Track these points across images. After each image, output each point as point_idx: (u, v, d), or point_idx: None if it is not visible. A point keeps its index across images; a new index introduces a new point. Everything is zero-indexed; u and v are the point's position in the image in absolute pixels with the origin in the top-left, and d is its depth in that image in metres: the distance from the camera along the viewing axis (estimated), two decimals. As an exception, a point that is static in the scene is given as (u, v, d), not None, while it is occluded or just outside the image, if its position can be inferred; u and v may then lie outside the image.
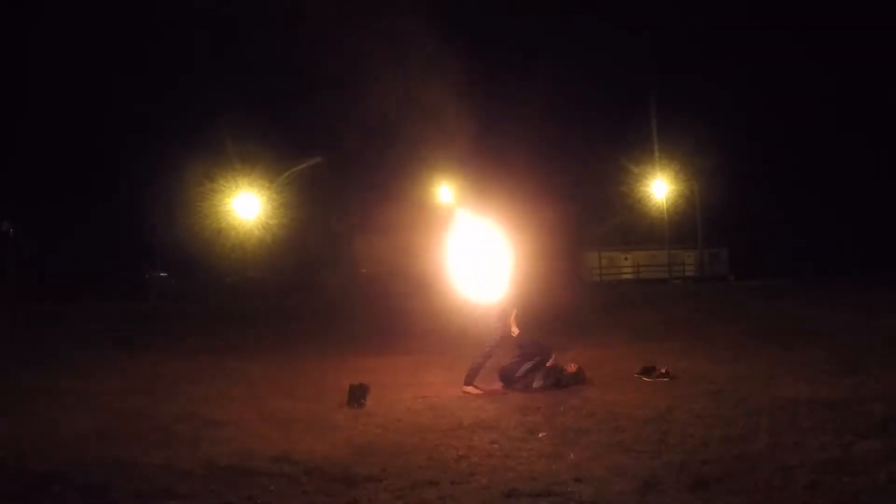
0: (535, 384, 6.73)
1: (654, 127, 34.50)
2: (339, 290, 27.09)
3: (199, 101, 35.95)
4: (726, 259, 39.63)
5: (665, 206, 37.87)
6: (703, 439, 4.71)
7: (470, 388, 6.76)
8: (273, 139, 30.31)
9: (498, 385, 6.90)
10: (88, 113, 33.56)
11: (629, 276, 38.67)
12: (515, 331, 7.06)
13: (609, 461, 4.31)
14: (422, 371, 8.14)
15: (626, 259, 40.56)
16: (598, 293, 20.91)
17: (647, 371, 7.21)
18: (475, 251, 7.07)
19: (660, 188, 37.75)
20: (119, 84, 34.54)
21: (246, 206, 31.97)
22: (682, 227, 38.52)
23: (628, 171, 36.62)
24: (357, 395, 6.25)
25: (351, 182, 34.75)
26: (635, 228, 38.20)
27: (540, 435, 5.04)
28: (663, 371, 7.15)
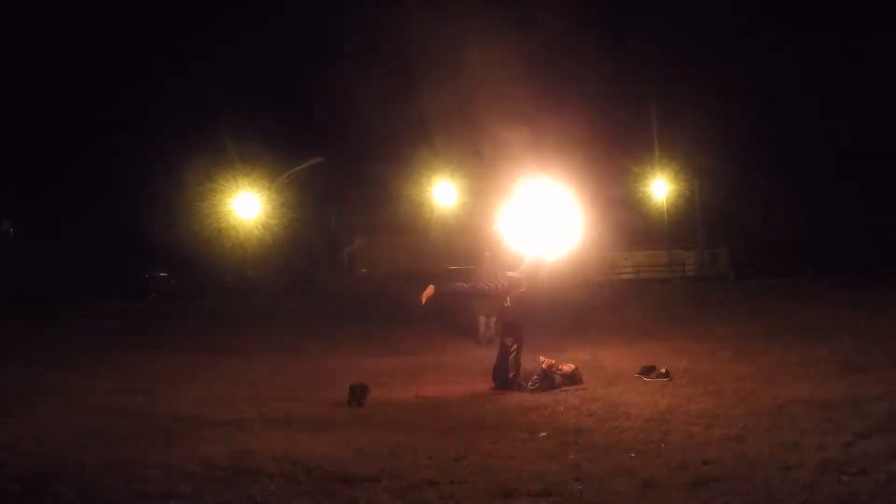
0: (529, 385, 6.74)
1: (654, 127, 34.46)
2: (338, 290, 27.09)
3: (200, 101, 35.94)
4: (726, 259, 39.59)
5: (665, 206, 37.82)
6: (703, 439, 4.71)
7: (428, 290, 6.85)
8: (273, 139, 30.33)
9: (430, 290, 6.95)
10: (88, 112, 33.59)
11: (629, 276, 38.64)
12: (508, 302, 7.15)
13: (609, 461, 4.31)
14: (422, 371, 8.14)
15: (626, 259, 40.53)
16: (599, 293, 20.89)
17: (647, 371, 7.21)
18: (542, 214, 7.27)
19: (660, 188, 37.71)
20: (119, 83, 34.57)
21: (246, 206, 31.93)
22: (682, 227, 38.48)
23: (628, 171, 36.58)
24: (357, 395, 6.26)
25: (351, 182, 34.78)
26: (635, 228, 38.14)
27: (540, 435, 5.04)
28: (663, 371, 7.15)
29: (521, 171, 7.46)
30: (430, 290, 6.94)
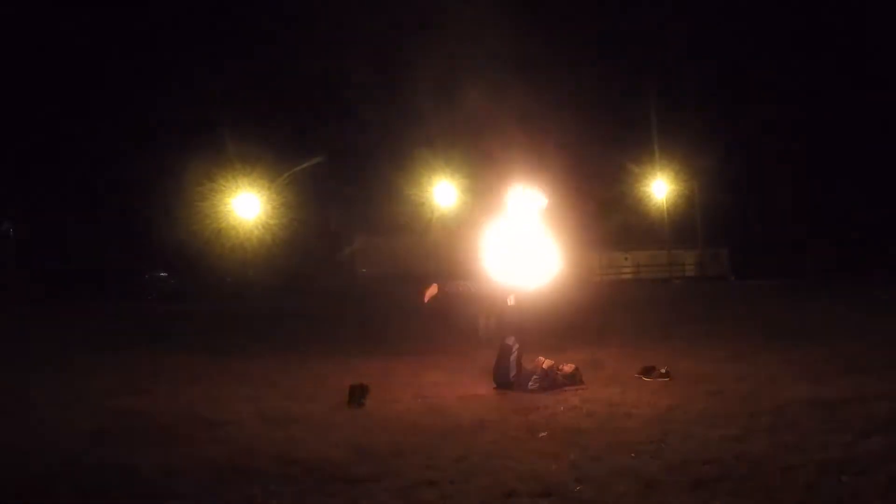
0: (531, 385, 6.73)
1: (654, 127, 34.46)
2: (338, 290, 27.10)
3: (200, 101, 35.95)
4: (726, 259, 39.65)
5: (665, 206, 37.84)
6: (703, 439, 4.71)
7: (432, 289, 6.92)
8: (273, 139, 30.35)
9: (433, 288, 7.00)
10: (88, 112, 33.58)
11: (629, 276, 38.67)
12: (512, 301, 7.17)
13: (609, 461, 4.31)
14: (422, 371, 8.13)
15: (626, 259, 40.55)
16: (599, 293, 20.92)
17: (647, 371, 7.21)
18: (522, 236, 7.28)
19: (660, 188, 37.73)
20: (119, 84, 34.58)
21: (246, 206, 31.94)
22: (682, 227, 38.52)
23: (628, 171, 36.61)
24: (357, 395, 6.25)
25: (351, 182, 34.79)
26: (635, 228, 38.18)
27: (540, 435, 5.04)
28: (663, 371, 7.14)
29: (516, 178, 7.43)
30: (433, 288, 6.95)
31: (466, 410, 5.95)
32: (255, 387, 7.19)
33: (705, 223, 37.66)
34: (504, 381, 6.88)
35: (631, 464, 4.25)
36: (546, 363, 6.96)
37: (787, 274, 28.14)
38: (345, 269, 36.69)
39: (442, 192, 33.00)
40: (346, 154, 34.02)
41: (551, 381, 6.77)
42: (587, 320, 12.95)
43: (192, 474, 4.16)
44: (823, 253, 32.20)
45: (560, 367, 6.99)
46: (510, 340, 6.98)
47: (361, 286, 29.14)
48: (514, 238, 7.37)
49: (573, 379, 6.89)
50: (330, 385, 7.10)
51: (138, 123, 33.87)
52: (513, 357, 6.90)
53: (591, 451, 4.54)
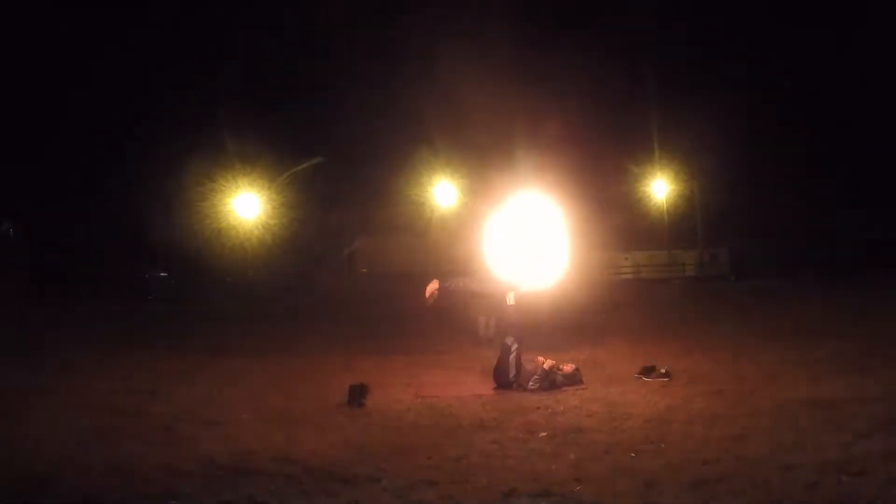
0: (531, 385, 6.73)
1: (654, 127, 34.44)
2: (338, 290, 27.10)
3: (199, 101, 35.96)
4: (726, 259, 39.61)
5: (665, 206, 37.84)
6: (703, 439, 4.71)
7: (432, 285, 6.97)
8: (273, 139, 30.33)
9: (435, 285, 7.07)
10: (88, 112, 33.59)
11: (629, 276, 38.66)
12: (511, 300, 7.19)
13: (609, 461, 4.31)
14: (422, 371, 8.13)
15: (626, 259, 40.54)
16: (599, 293, 20.90)
17: (647, 371, 7.21)
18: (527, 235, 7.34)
19: (660, 188, 37.72)
20: (119, 83, 34.62)
21: (246, 206, 31.94)
22: (682, 227, 38.51)
23: (628, 171, 36.59)
24: (357, 394, 6.26)
25: (351, 182, 34.79)
26: (635, 228, 38.16)
27: (540, 435, 5.04)
28: (663, 371, 7.15)
29: (517, 178, 7.49)
30: (434, 285, 6.97)
31: (466, 410, 5.95)
32: (254, 387, 7.19)
33: (705, 223, 37.66)
34: (504, 381, 6.88)
35: (631, 463, 4.26)
36: (546, 363, 6.96)
37: (787, 274, 28.10)
38: (345, 269, 36.71)
39: (442, 192, 32.98)
40: (347, 154, 34.01)
41: (551, 381, 6.77)
42: (587, 320, 12.96)
43: (192, 474, 4.16)
44: (823, 253, 32.17)
45: (560, 367, 6.99)
46: (509, 340, 6.99)
47: (361, 286, 29.13)
48: (516, 237, 7.40)
49: (573, 379, 6.90)
50: (330, 385, 7.11)
51: (138, 123, 33.90)
52: (512, 357, 6.90)
53: (591, 451, 4.54)
